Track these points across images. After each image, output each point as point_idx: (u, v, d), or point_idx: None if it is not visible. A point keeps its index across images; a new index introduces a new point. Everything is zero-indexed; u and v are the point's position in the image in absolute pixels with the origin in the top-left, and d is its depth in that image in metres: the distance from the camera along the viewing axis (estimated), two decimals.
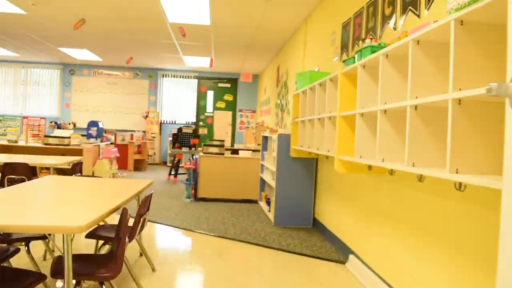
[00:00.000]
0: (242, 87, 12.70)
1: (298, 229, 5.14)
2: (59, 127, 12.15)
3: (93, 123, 7.70)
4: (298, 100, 4.87)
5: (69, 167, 5.36)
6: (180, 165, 11.33)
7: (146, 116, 12.06)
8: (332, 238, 4.50)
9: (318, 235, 4.86)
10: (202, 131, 12.65)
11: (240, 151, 6.88)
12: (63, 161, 5.15)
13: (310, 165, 5.24)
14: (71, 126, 12.33)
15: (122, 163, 10.44)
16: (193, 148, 9.16)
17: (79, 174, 5.39)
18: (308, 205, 5.27)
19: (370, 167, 3.04)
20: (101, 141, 7.74)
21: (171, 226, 5.03)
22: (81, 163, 5.42)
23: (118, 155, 7.58)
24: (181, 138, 9.20)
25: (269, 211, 5.88)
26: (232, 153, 9.95)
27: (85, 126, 12.37)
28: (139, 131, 12.04)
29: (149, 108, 12.49)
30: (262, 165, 6.58)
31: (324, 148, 3.69)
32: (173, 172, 9.24)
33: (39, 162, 4.92)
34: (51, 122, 12.24)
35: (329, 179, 4.75)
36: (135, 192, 3.07)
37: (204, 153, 6.69)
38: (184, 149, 9.00)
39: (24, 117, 12.29)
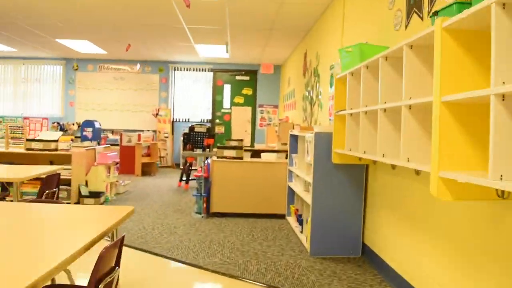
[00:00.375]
0: (262, 79, 11.38)
1: (344, 261, 3.81)
2: (62, 128, 11.08)
3: (87, 123, 6.53)
4: (344, 86, 3.53)
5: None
6: (194, 168, 10.12)
7: (157, 114, 10.86)
8: (395, 279, 3.16)
9: (373, 271, 3.52)
10: (219, 129, 11.40)
11: (262, 154, 5.57)
12: (34, 172, 3.93)
13: (357, 173, 3.90)
14: (75, 126, 11.25)
15: (128, 168, 9.28)
16: (208, 150, 7.90)
17: (56, 189, 4.18)
18: (355, 227, 3.93)
19: (503, 192, 1.69)
20: (98, 144, 6.54)
21: (172, 259, 3.76)
22: (58, 174, 4.21)
23: (117, 160, 6.38)
24: (193, 138, 7.96)
25: (301, 232, 4.56)
26: (252, 155, 8.67)
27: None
28: (148, 130, 10.86)
29: (159, 105, 11.30)
30: (291, 172, 5.26)
31: (400, 155, 2.35)
32: (184, 178, 8.00)
33: None
34: (53, 123, 11.18)
35: (388, 193, 3.40)
36: (89, 241, 1.80)
37: (218, 157, 5.41)
38: (197, 151, 7.75)
39: (25, 118, 11.27)
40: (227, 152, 5.35)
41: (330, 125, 3.94)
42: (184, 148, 7.94)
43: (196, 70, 11.35)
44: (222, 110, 11.43)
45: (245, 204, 5.34)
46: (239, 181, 5.33)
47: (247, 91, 11.43)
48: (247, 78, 11.41)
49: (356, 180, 3.88)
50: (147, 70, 11.29)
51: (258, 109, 11.39)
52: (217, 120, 11.42)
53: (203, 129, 8.05)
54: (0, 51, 10.43)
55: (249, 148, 8.59)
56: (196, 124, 8.03)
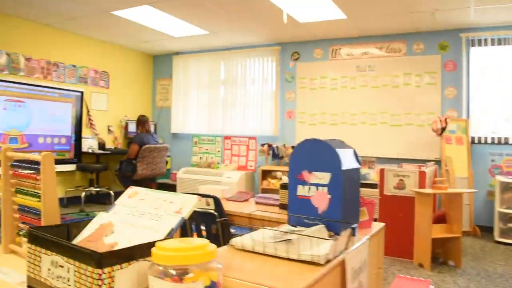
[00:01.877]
0: None
1: None
2: (275, 154, 6.94)
3: (310, 145, 1.84)
4: None
5: None
6: None
7: (443, 129, 5.57)
8: None
9: None
10: None
11: None
12: None
13: None
14: (291, 151, 6.89)
15: (400, 246, 4.30)
16: None
17: None
18: None
19: None
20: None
21: None
22: None
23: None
24: None
25: None
26: None
27: None
28: (426, 162, 5.62)
29: (444, 111, 6.00)
30: None
31: None
32: None
33: None
34: (262, 144, 7.12)
35: None
36: None
37: None
38: None
39: (226, 137, 7.56)
40: None
41: None
42: None
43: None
44: None
45: None
46: None
47: None
48: None
49: None
50: (416, 51, 6.18)
51: None
52: None
53: None
54: (191, 36, 6.98)
55: None
56: None
